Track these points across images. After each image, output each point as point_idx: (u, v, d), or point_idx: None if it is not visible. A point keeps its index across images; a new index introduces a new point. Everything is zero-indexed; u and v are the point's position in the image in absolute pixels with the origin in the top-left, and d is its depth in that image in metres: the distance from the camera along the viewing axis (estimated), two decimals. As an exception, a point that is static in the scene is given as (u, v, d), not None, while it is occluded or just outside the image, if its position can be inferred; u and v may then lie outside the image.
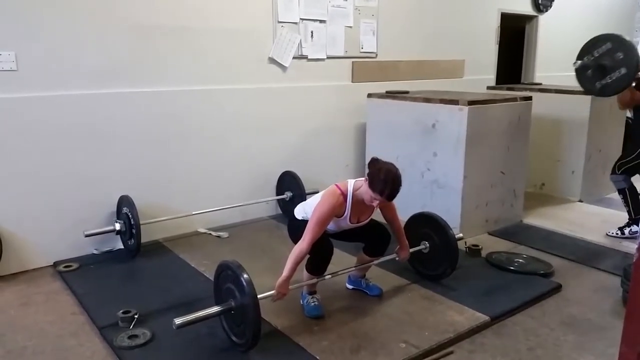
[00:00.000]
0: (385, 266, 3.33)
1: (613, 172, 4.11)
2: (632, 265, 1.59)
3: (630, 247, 3.73)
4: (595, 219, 4.46)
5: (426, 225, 3.25)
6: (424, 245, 3.23)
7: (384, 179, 2.55)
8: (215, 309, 2.49)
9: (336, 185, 2.72)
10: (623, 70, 3.53)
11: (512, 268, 3.44)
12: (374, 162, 2.64)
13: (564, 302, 3.06)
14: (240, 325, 2.46)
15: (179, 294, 3.08)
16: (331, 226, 2.76)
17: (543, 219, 4.49)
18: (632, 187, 4.10)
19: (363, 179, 2.69)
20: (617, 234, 4.12)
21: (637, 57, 3.47)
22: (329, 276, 2.86)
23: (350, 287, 3.16)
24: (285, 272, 2.57)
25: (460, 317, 2.81)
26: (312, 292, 2.89)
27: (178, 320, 2.36)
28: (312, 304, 2.84)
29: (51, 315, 2.89)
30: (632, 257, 1.85)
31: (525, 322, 2.83)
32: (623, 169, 4.06)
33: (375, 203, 2.64)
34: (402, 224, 3.10)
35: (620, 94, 3.86)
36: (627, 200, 4.09)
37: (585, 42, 3.76)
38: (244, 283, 2.35)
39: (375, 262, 3.09)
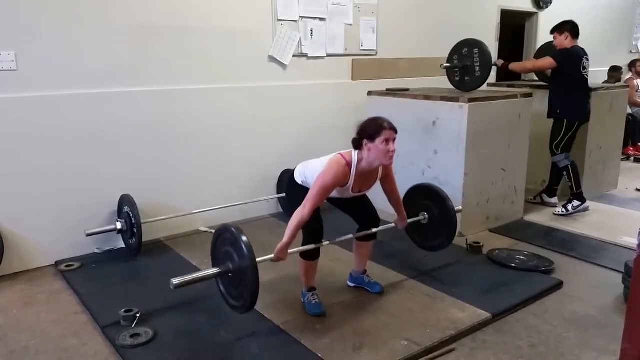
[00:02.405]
0: (386, 263, 3.34)
1: (553, 153, 4.50)
2: (633, 262, 1.59)
3: (631, 243, 3.72)
4: (596, 216, 4.46)
5: (426, 196, 3.27)
6: (423, 217, 3.25)
7: (371, 120, 2.66)
8: (213, 270, 2.50)
9: (340, 154, 2.70)
10: (478, 73, 4.30)
11: (513, 265, 3.44)
12: (355, 139, 2.67)
13: (565, 298, 3.06)
14: (238, 287, 2.47)
15: (180, 293, 3.05)
16: (333, 193, 2.73)
17: (544, 216, 4.50)
18: (573, 164, 4.46)
19: (360, 150, 2.66)
20: (562, 211, 4.46)
21: (490, 65, 4.28)
22: (327, 243, 2.83)
23: (351, 284, 3.16)
24: (285, 238, 2.58)
25: (462, 314, 2.81)
26: (310, 289, 2.89)
27: (176, 281, 2.38)
28: (313, 302, 2.84)
29: (53, 315, 2.90)
30: (633, 253, 1.85)
31: (526, 319, 2.83)
32: (560, 147, 4.42)
33: (392, 146, 2.61)
34: (402, 196, 3.12)
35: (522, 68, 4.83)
36: (570, 177, 4.45)
37: (457, 43, 4.47)
38: (243, 245, 2.36)
39: (371, 241, 3.05)
